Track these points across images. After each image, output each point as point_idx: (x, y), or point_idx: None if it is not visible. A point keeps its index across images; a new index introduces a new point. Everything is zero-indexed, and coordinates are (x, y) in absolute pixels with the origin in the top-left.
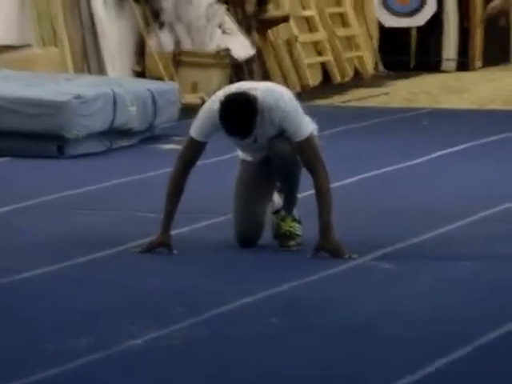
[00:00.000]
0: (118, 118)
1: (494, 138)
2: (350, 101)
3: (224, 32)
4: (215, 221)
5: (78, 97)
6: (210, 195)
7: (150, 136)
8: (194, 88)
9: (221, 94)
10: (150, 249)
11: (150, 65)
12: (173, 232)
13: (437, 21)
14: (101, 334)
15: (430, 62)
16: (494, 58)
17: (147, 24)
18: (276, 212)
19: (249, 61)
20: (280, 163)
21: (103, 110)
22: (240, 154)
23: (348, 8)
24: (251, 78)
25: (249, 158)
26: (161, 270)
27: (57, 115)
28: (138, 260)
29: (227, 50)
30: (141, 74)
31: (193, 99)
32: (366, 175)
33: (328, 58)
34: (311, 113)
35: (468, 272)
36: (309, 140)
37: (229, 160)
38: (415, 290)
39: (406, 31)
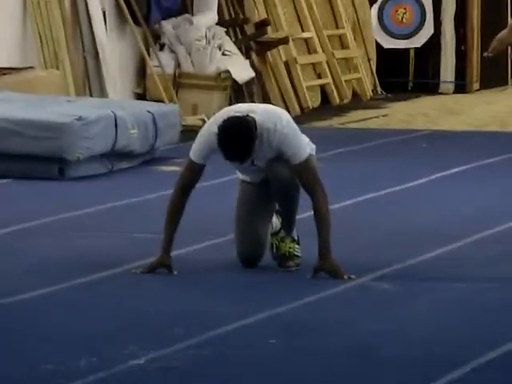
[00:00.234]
0: (119, 140)
1: (491, 159)
2: (348, 123)
3: (224, 54)
4: (215, 242)
5: (79, 119)
6: (211, 216)
7: (150, 158)
8: (195, 110)
9: (219, 117)
10: (151, 270)
11: (150, 87)
12: (173, 253)
13: (434, 43)
14: (101, 355)
15: (427, 85)
16: (491, 80)
17: (148, 46)
18: (274, 234)
19: (248, 83)
20: (279, 186)
21: (105, 132)
22: (239, 174)
23: (346, 30)
24: (251, 99)
25: (248, 179)
26: (161, 291)
27: (58, 137)
28: (138, 281)
29: (227, 72)
30: (141, 96)
31: (193, 121)
32: (364, 197)
33: (327, 80)
34: (310, 135)
35: (465, 293)
36: (307, 162)
37: (229, 182)
38: (413, 311)
39: (404, 54)
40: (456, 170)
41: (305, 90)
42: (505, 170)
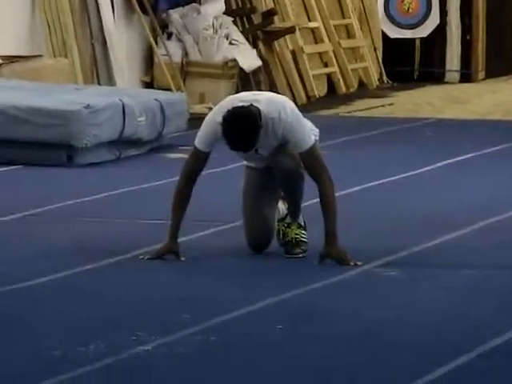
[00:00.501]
0: (127, 128)
1: (496, 148)
2: (354, 111)
3: (231, 43)
4: (222, 228)
5: (87, 106)
6: (217, 203)
7: (158, 145)
8: (202, 98)
9: (224, 106)
10: (158, 256)
11: (158, 75)
12: (180, 240)
13: (440, 33)
14: (108, 341)
15: (433, 74)
16: (496, 69)
17: (155, 35)
18: (281, 219)
19: (255, 72)
20: (283, 176)
21: (112, 120)
22: (244, 161)
23: (353, 20)
24: (258, 88)
25: (252, 164)
26: (168, 278)
27: (66, 125)
28: (146, 268)
29: (234, 61)
30: (149, 85)
31: (200, 109)
32: (370, 184)
33: (333, 69)
34: (316, 123)
35: (471, 280)
36: (312, 150)
37: (235, 169)
38: (419, 298)
39: (410, 43)
40: (461, 158)
41: (311, 78)
42: (510, 159)
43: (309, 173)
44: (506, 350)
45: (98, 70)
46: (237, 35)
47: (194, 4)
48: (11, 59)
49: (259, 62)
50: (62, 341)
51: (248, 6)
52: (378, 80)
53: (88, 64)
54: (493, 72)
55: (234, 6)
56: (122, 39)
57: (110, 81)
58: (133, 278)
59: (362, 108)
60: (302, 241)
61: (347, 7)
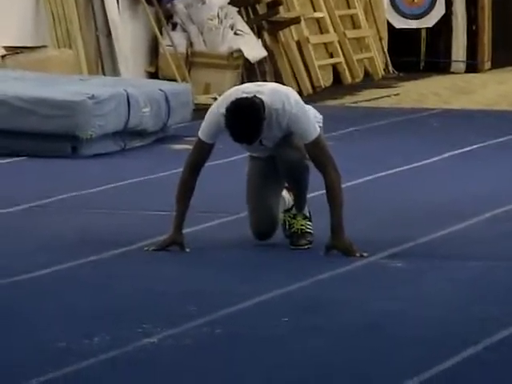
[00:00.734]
0: (131, 119)
1: (502, 138)
2: (360, 102)
3: (236, 33)
4: (227, 220)
5: (92, 97)
6: (222, 195)
7: (163, 136)
8: (207, 89)
9: (227, 97)
10: (163, 247)
11: (163, 66)
12: (185, 231)
13: (446, 23)
14: (114, 333)
15: (439, 64)
16: (502, 59)
17: (160, 25)
18: (287, 210)
19: (260, 62)
20: (288, 168)
21: (117, 111)
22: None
23: (358, 10)
24: (263, 79)
25: (255, 154)
26: (173, 269)
27: (71, 115)
28: (150, 259)
29: (239, 52)
30: (154, 75)
31: (205, 100)
32: (375, 175)
33: (339, 59)
34: (322, 113)
35: (477, 271)
36: (318, 141)
37: (240, 160)
38: (425, 290)
39: (415, 33)
40: (467, 148)
41: (317, 69)
42: None
43: (314, 164)
44: None
45: (103, 60)
46: (242, 25)
47: None
48: (16, 50)
49: (264, 53)
50: (67, 333)
51: None
52: (384, 70)
53: (93, 55)
54: (499, 62)
55: None
56: (127, 30)
57: (115, 71)
58: (138, 270)
59: (367, 98)
60: (307, 232)
61: None
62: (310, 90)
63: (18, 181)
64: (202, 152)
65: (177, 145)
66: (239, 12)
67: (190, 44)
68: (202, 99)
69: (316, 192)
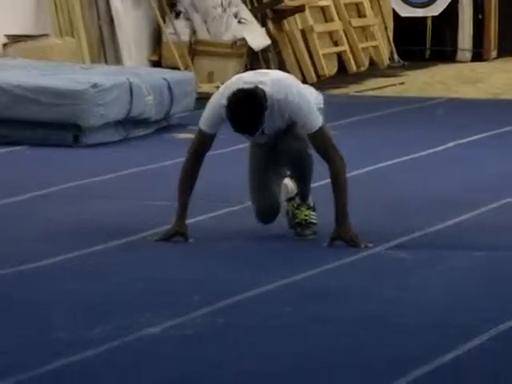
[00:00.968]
0: (134, 108)
1: (508, 128)
2: (365, 90)
3: (240, 22)
4: (230, 210)
5: (94, 86)
6: (226, 184)
7: (166, 125)
8: (210, 77)
9: (228, 87)
10: (166, 237)
11: (166, 54)
12: (188, 221)
13: (452, 11)
14: (116, 323)
15: (445, 53)
16: (508, 48)
17: (163, 13)
18: (290, 199)
19: (264, 50)
20: (292, 159)
21: (119, 100)
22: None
23: None
24: (267, 67)
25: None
26: (176, 259)
27: (73, 104)
28: (154, 249)
29: (243, 40)
30: (157, 64)
31: (209, 89)
32: (380, 165)
33: (344, 47)
34: (327, 102)
35: (482, 262)
36: (321, 130)
37: (243, 150)
38: (430, 280)
39: (421, 22)
40: (473, 137)
41: (321, 57)
42: None
43: (319, 154)
44: None
45: (105, 49)
46: (246, 14)
47: None
48: (18, 38)
49: (268, 41)
50: (69, 323)
51: None
52: (389, 59)
53: (95, 43)
54: (505, 51)
55: None
56: (130, 18)
57: (117, 60)
58: (141, 260)
59: (372, 87)
60: (311, 222)
61: None
62: (315, 79)
63: (19, 170)
64: (204, 142)
65: (180, 134)
66: (243, 0)
67: (194, 32)
68: (206, 88)
69: (319, 182)
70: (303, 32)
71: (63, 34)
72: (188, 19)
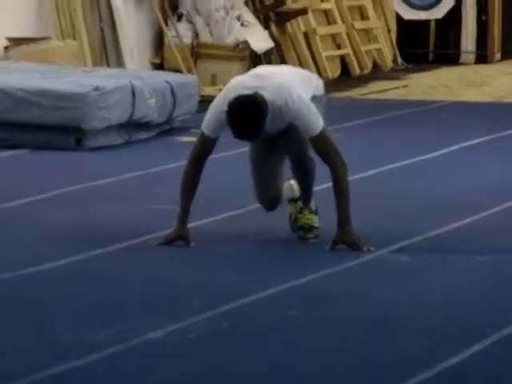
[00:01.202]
0: (136, 111)
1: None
2: (368, 93)
3: (242, 24)
4: (232, 213)
5: (96, 89)
6: (228, 188)
7: (168, 128)
8: (213, 80)
9: (229, 92)
10: (168, 242)
11: (168, 57)
12: (190, 225)
13: (455, 14)
14: (119, 327)
15: (448, 55)
16: None
17: (165, 16)
18: (294, 200)
19: (267, 53)
20: (293, 162)
21: (122, 103)
22: None
23: (366, 1)
24: None
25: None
26: (178, 263)
27: (76, 107)
28: (156, 253)
29: (246, 43)
30: (159, 66)
31: (212, 91)
32: (383, 168)
33: (347, 50)
34: (330, 105)
35: (485, 265)
36: (322, 134)
37: (245, 153)
38: (432, 283)
39: (424, 24)
40: (476, 141)
41: (324, 60)
42: None
43: (321, 158)
44: None
45: (107, 51)
46: (248, 16)
47: None
48: (19, 41)
49: (271, 44)
50: (72, 327)
51: None
52: (393, 62)
53: (97, 46)
54: (509, 53)
55: None
56: (132, 20)
57: (120, 63)
58: (142, 264)
59: (376, 90)
60: (313, 226)
61: None
62: None
63: (22, 173)
64: (206, 145)
65: (183, 137)
66: (246, 3)
67: (196, 35)
68: (209, 91)
69: (322, 185)
70: (306, 35)
71: (65, 37)
72: (190, 22)
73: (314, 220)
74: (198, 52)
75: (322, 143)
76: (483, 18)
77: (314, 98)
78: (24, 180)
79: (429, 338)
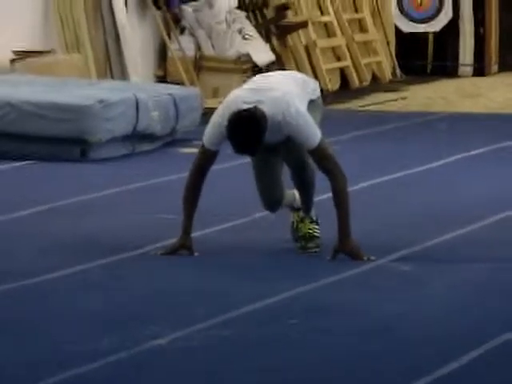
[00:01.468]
0: (140, 123)
1: (509, 142)
2: (368, 105)
3: (244, 38)
4: (235, 223)
5: (101, 101)
6: (231, 198)
7: (171, 140)
8: (215, 93)
9: (228, 106)
10: (172, 251)
11: (171, 69)
12: (193, 235)
13: (453, 27)
14: (122, 335)
15: (446, 68)
16: (510, 63)
17: (168, 29)
18: (295, 209)
19: (269, 66)
20: (292, 171)
21: (126, 115)
22: None
23: (366, 14)
24: None
25: None
26: (181, 272)
27: (80, 119)
28: (159, 262)
29: (247, 56)
30: (162, 79)
31: (214, 104)
32: (382, 179)
33: (346, 63)
34: (329, 117)
35: (483, 274)
36: (321, 146)
37: (248, 164)
38: (432, 292)
39: (423, 37)
40: (474, 152)
41: (324, 73)
42: None
43: (320, 169)
44: None
45: (112, 64)
46: (250, 30)
47: None
48: (25, 54)
49: (272, 57)
50: (75, 335)
51: (261, 0)
52: (392, 74)
53: (101, 59)
54: (506, 65)
55: (247, 1)
56: (135, 34)
57: (124, 75)
58: (146, 273)
59: (375, 102)
60: (315, 236)
61: (360, 1)
62: None
63: (27, 185)
64: (207, 157)
65: (185, 149)
66: (247, 16)
67: (199, 48)
68: (211, 103)
69: (322, 196)
70: (306, 47)
71: (70, 50)
72: (193, 35)
73: (315, 229)
74: (200, 65)
75: (320, 155)
76: (481, 31)
77: (312, 102)
78: (30, 191)
79: (427, 345)
